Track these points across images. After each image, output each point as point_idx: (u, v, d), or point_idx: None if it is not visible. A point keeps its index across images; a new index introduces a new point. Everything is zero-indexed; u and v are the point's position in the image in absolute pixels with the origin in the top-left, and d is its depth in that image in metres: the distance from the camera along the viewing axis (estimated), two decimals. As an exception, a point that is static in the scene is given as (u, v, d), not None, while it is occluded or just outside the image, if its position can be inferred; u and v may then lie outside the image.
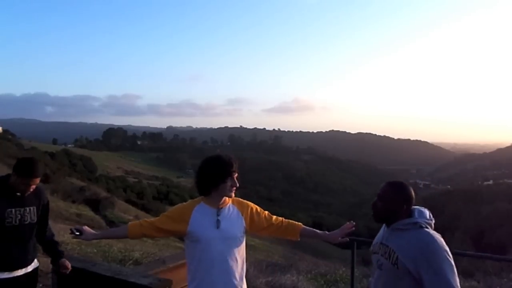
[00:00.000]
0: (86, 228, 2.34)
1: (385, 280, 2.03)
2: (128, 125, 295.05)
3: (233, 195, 2.23)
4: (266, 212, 2.37)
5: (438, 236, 1.93)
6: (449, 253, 1.88)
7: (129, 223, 2.43)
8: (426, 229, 1.95)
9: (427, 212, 2.04)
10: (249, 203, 2.34)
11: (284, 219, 2.39)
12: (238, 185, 2.20)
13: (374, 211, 2.07)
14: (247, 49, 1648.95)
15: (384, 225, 2.12)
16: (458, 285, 1.82)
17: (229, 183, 2.16)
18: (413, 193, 2.03)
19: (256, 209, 2.32)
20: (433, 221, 2.02)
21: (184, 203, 2.34)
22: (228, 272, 2.13)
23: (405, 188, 2.04)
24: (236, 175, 2.20)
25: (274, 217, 2.38)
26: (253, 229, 2.28)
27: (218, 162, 2.18)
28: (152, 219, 2.33)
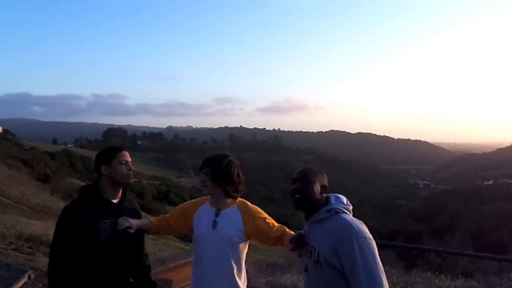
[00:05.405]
0: (131, 221, 2.09)
1: (313, 284, 1.84)
2: (128, 125, 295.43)
3: (204, 192, 2.20)
4: (275, 223, 2.21)
5: (356, 222, 1.77)
6: (370, 237, 1.72)
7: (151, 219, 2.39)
8: (343, 215, 1.82)
9: (344, 198, 1.94)
10: (258, 211, 2.23)
11: (285, 230, 2.20)
12: (203, 182, 2.17)
13: (297, 196, 1.91)
14: (241, 47, 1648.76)
15: (305, 222, 1.97)
16: (382, 271, 1.66)
17: (201, 179, 2.18)
18: (327, 180, 1.98)
19: (264, 219, 2.20)
20: (351, 207, 1.90)
21: (192, 201, 2.38)
22: (220, 273, 2.14)
23: (320, 172, 1.99)
24: (206, 171, 2.16)
25: (277, 226, 2.21)
26: (255, 238, 2.20)
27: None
28: (166, 216, 2.38)
